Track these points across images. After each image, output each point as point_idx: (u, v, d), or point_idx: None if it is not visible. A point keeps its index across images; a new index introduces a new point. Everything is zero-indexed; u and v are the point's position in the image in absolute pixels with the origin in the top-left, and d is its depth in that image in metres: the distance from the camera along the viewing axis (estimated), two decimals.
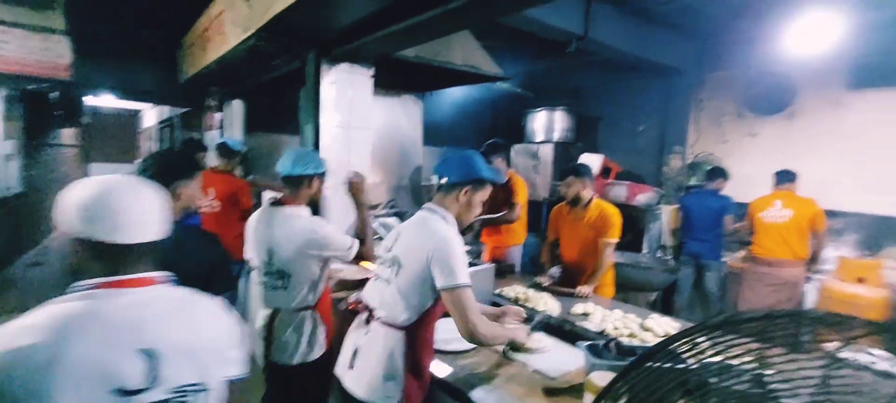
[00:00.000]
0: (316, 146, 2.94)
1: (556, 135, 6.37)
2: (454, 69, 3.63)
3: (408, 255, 1.62)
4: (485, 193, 1.76)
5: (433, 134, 5.98)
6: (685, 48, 5.49)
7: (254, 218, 2.12)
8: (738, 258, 4.95)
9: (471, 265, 2.68)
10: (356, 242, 2.07)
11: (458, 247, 1.60)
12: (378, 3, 2.09)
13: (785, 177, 4.17)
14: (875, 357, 1.67)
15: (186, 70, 4.44)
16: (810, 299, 4.07)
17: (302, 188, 2.06)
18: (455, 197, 1.70)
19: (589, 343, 1.77)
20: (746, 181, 5.25)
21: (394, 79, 4.30)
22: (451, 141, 6.96)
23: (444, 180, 1.71)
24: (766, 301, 4.13)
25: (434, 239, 1.59)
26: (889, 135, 4.46)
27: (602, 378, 1.49)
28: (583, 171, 3.09)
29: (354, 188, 2.18)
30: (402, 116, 4.74)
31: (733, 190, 5.30)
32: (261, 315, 2.08)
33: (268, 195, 3.80)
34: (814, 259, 3.96)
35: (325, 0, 2.08)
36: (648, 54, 5.09)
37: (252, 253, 2.08)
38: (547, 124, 6.46)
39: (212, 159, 4.31)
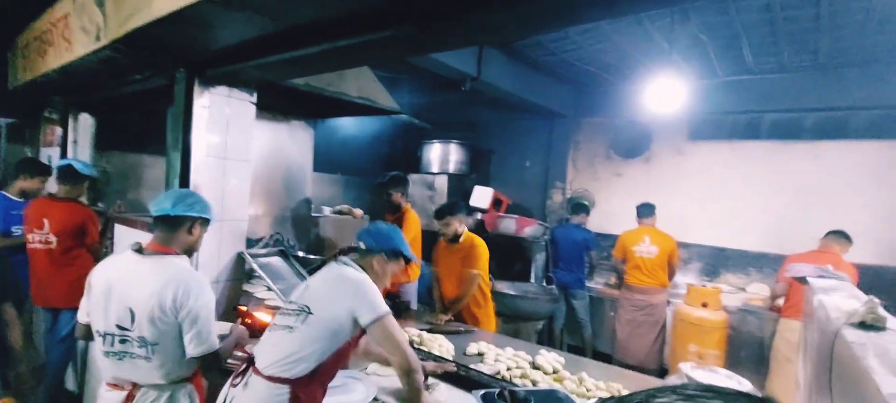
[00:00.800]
0: (184, 177, 2.57)
1: (451, 167, 6.53)
2: (348, 100, 3.51)
3: (320, 302, 1.63)
4: (397, 267, 1.87)
5: (326, 161, 5.72)
6: (565, 94, 6.05)
7: (106, 267, 1.73)
8: (605, 284, 5.49)
9: None
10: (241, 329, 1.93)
11: (373, 286, 1.68)
12: (257, 29, 1.91)
13: (646, 210, 4.77)
14: None
15: (19, 75, 3.66)
16: (668, 320, 4.63)
17: (180, 232, 1.76)
18: (370, 262, 1.79)
19: (484, 391, 1.77)
20: (614, 214, 5.91)
21: (282, 102, 4.02)
22: (344, 169, 6.74)
23: (362, 245, 1.83)
24: (638, 324, 4.62)
25: (351, 282, 1.66)
26: (718, 178, 5.36)
27: None
28: (458, 209, 3.34)
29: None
30: (291, 143, 4.44)
31: (603, 222, 5.94)
32: (109, 397, 1.66)
33: (125, 235, 3.24)
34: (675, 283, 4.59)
35: (193, 20, 1.84)
36: (533, 97, 5.50)
37: (98, 312, 1.66)
38: (442, 156, 6.61)
39: (50, 183, 3.58)
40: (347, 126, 6.04)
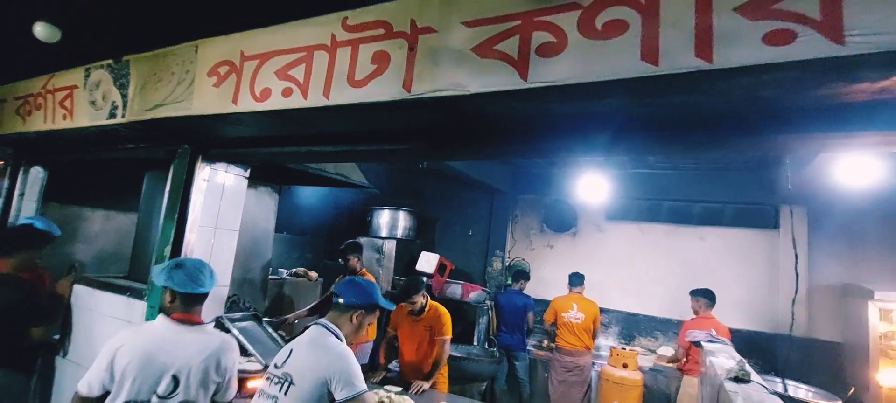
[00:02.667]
0: (177, 245, 2.72)
1: (400, 233, 6.91)
2: (326, 176, 3.85)
3: (301, 373, 1.69)
4: (373, 318, 1.99)
5: (281, 222, 5.84)
6: (504, 174, 6.83)
7: (144, 335, 1.85)
8: (537, 346, 6.04)
9: None
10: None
11: (354, 360, 1.78)
12: (288, 130, 2.26)
13: (577, 280, 5.46)
14: None
15: None
16: (594, 380, 5.23)
17: (200, 305, 1.96)
18: (349, 317, 1.89)
19: None
20: (547, 281, 6.60)
21: (253, 169, 4.23)
22: (297, 229, 6.85)
23: (341, 300, 1.90)
24: (569, 383, 5.16)
25: (330, 355, 1.73)
26: (630, 253, 6.31)
27: None
28: (421, 286, 3.59)
29: None
30: (257, 208, 4.59)
31: (537, 288, 6.58)
32: None
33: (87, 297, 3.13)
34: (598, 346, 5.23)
35: (232, 120, 2.16)
36: (477, 176, 6.18)
37: (129, 379, 1.75)
38: (391, 221, 6.98)
39: None
40: (305, 189, 6.25)
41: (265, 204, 4.66)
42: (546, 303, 5.71)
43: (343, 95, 1.78)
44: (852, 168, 3.70)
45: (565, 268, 5.78)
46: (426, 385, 3.28)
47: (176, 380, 1.76)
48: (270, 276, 4.91)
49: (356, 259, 4.20)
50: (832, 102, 1.25)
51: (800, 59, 1.09)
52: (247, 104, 2.07)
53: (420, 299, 3.53)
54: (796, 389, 4.36)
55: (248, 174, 3.08)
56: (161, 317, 1.88)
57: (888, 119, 1.27)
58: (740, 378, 2.06)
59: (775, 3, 1.11)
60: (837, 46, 1.05)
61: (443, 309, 3.62)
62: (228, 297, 4.14)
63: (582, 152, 1.72)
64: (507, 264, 6.97)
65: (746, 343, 5.41)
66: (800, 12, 1.09)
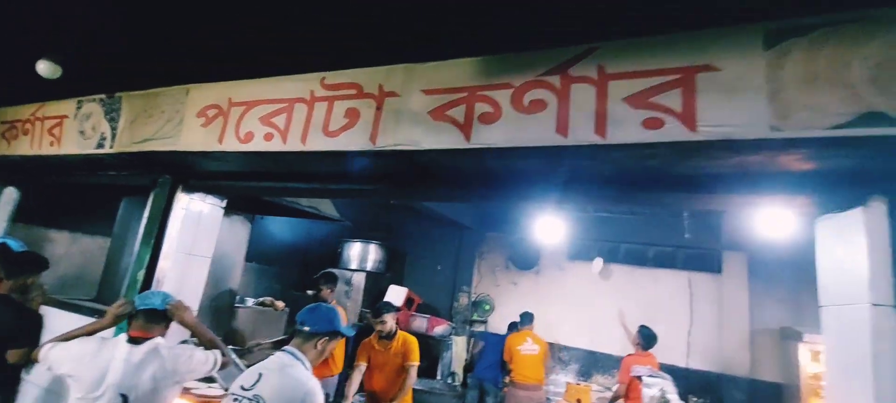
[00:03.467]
0: (150, 270, 2.87)
1: (369, 266, 7.07)
2: (299, 209, 4.07)
3: (272, 398, 1.75)
4: (335, 344, 2.02)
5: (252, 251, 5.95)
6: (472, 212, 7.17)
7: (106, 348, 2.01)
8: (503, 383, 6.21)
9: None
10: (216, 354, 2.19)
11: (322, 396, 1.82)
12: (268, 167, 2.52)
13: (528, 318, 5.70)
14: None
15: None
16: None
17: (160, 326, 2.12)
18: (314, 344, 1.93)
19: None
20: (510, 317, 6.80)
21: (230, 200, 4.41)
22: (268, 259, 6.93)
23: (307, 328, 1.94)
24: None
25: (304, 386, 1.77)
26: (589, 292, 6.64)
27: None
28: (391, 308, 3.72)
29: (173, 314, 2.27)
30: (229, 236, 4.73)
31: (500, 324, 6.81)
32: None
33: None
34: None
35: (218, 157, 2.40)
36: (446, 212, 6.49)
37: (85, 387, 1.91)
38: (362, 254, 7.15)
39: None
40: (278, 220, 6.40)
41: (237, 232, 4.81)
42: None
43: (319, 143, 2.06)
44: (772, 220, 4.17)
45: (529, 305, 6.04)
46: None
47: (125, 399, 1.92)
48: (236, 304, 4.98)
49: (329, 290, 4.31)
50: (702, 171, 1.60)
51: (668, 141, 1.43)
52: (231, 144, 2.32)
53: (390, 320, 3.64)
54: None
55: (224, 204, 3.28)
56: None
57: (746, 186, 1.63)
58: None
59: (651, 96, 1.47)
60: (692, 133, 1.40)
61: (412, 337, 3.74)
62: None
63: (512, 199, 2.03)
64: (473, 299, 7.19)
65: (694, 380, 5.75)
66: (667, 105, 1.45)
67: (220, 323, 4.64)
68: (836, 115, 1.29)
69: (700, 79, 1.43)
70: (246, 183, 2.77)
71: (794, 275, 5.82)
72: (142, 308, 2.08)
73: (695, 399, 5.68)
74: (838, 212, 1.67)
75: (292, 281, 7.37)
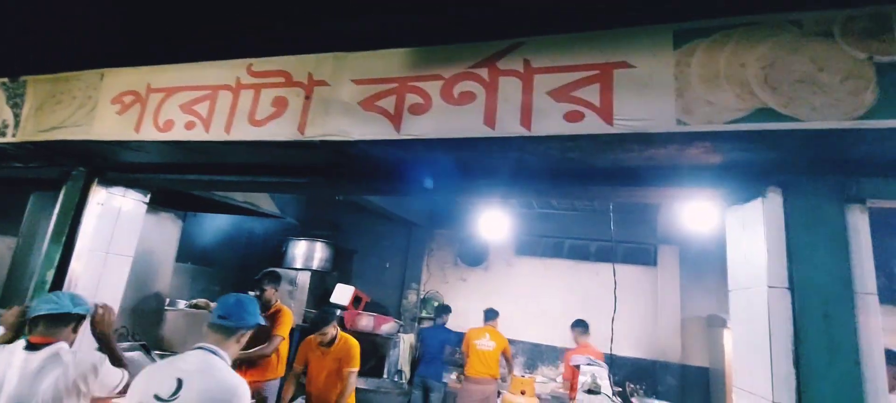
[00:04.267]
0: (61, 269, 2.63)
1: (315, 264, 6.89)
2: (235, 205, 3.88)
3: None
4: (249, 336, 1.93)
5: (186, 251, 5.62)
6: (421, 209, 7.15)
7: (2, 357, 1.82)
8: (453, 378, 6.25)
9: None
10: (125, 373, 2.03)
11: (248, 397, 1.71)
12: (191, 159, 2.37)
13: (491, 314, 5.79)
14: None
15: None
16: None
17: (66, 330, 1.94)
18: (236, 339, 1.82)
19: None
20: (459, 313, 6.88)
21: (154, 194, 4.13)
22: (205, 259, 6.57)
23: (229, 322, 1.81)
24: None
25: (231, 392, 1.65)
26: (535, 287, 6.83)
27: None
28: (331, 318, 3.66)
29: (100, 321, 2.13)
30: (157, 234, 4.44)
31: (450, 320, 6.85)
32: None
33: None
34: (504, 377, 5.52)
35: (135, 147, 2.23)
36: (394, 209, 6.44)
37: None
38: (307, 253, 6.95)
39: None
40: (215, 218, 6.08)
41: (166, 230, 4.53)
42: (459, 335, 5.98)
43: (244, 132, 1.96)
44: (698, 213, 4.47)
45: (477, 301, 6.13)
46: None
47: None
48: (166, 307, 4.69)
49: (273, 289, 4.15)
50: (621, 164, 1.68)
51: (587, 134, 1.48)
52: (149, 133, 2.17)
53: (331, 330, 3.56)
54: None
55: (147, 199, 3.07)
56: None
57: (661, 178, 1.72)
58: (592, 391, 2.44)
59: (572, 90, 1.52)
60: (609, 126, 1.46)
61: (353, 341, 3.70)
62: (116, 329, 3.94)
63: (444, 192, 2.05)
64: (422, 296, 7.18)
65: (634, 368, 6.05)
66: (587, 100, 1.50)
67: (145, 328, 4.34)
68: (733, 111, 1.39)
69: (617, 75, 1.49)
70: (168, 175, 2.60)
71: (718, 266, 6.20)
72: (41, 313, 1.89)
73: (632, 384, 5.99)
74: (743, 203, 1.80)
75: (232, 281, 7.04)
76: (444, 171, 1.90)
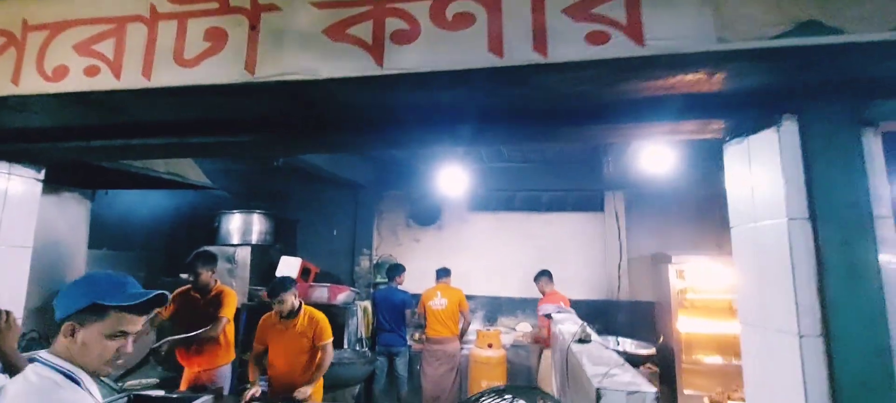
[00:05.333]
0: None
1: (254, 238, 6.33)
2: (156, 177, 3.30)
3: None
4: (111, 325, 1.30)
5: (99, 235, 4.84)
6: (368, 170, 6.74)
7: None
8: (416, 340, 6.14)
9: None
10: None
11: None
12: (92, 118, 1.85)
13: (443, 273, 5.65)
14: None
15: None
16: (465, 363, 5.50)
17: None
18: (63, 334, 1.29)
19: None
20: (414, 275, 6.71)
21: (51, 169, 3.42)
22: (122, 243, 5.75)
23: (57, 315, 1.32)
24: (439, 371, 5.31)
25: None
26: (490, 241, 6.79)
27: None
28: (289, 284, 3.33)
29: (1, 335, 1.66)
30: (60, 219, 3.73)
31: (406, 283, 6.67)
32: None
33: None
34: (463, 333, 5.46)
35: (3, 103, 1.68)
36: (340, 172, 5.99)
37: None
38: (244, 226, 6.36)
39: None
40: (129, 195, 5.29)
41: (72, 213, 3.81)
42: (416, 298, 5.82)
43: (170, 76, 1.52)
44: (652, 156, 4.54)
45: (432, 261, 5.96)
46: (309, 390, 3.08)
47: None
48: None
49: (209, 272, 3.69)
50: (632, 97, 1.49)
51: (614, 57, 1.26)
52: (34, 85, 1.64)
53: (290, 298, 3.25)
54: (624, 343, 5.22)
55: (42, 176, 2.46)
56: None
57: (671, 111, 1.56)
58: (583, 340, 2.36)
59: (593, 7, 1.28)
60: (639, 47, 1.24)
61: (319, 313, 3.42)
62: (24, 333, 3.29)
63: (432, 143, 1.76)
64: (375, 262, 6.90)
65: (588, 309, 6.23)
66: (611, 18, 1.26)
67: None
68: (776, 25, 1.23)
69: None
70: (69, 143, 2.05)
71: (666, 207, 6.57)
72: None
73: (587, 325, 6.25)
74: (747, 135, 1.70)
75: (159, 265, 6.29)
76: (429, 118, 1.60)
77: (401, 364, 5.55)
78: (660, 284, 6.18)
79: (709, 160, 5.08)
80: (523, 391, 1.39)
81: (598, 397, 1.51)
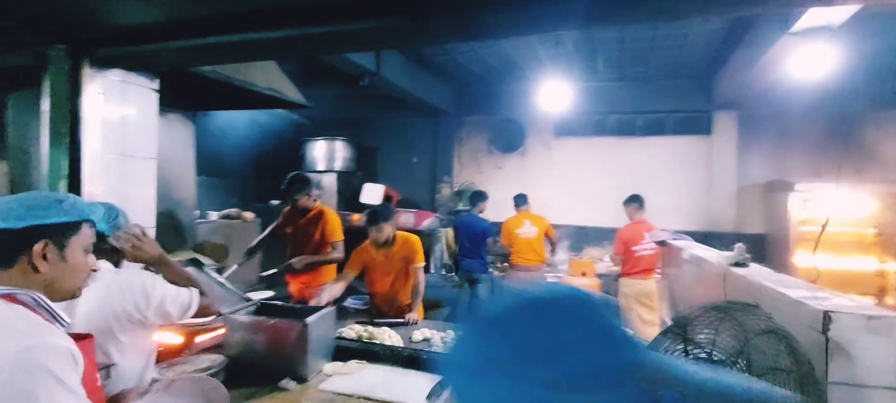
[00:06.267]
0: (74, 182, 2.09)
1: (338, 165, 6.37)
2: (255, 91, 3.22)
3: None
4: (87, 238, 1.11)
5: (197, 161, 5.04)
6: (448, 94, 6.43)
7: None
8: (498, 269, 6.04)
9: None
10: (194, 293, 1.63)
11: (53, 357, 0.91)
12: (188, 7, 1.69)
13: (521, 200, 5.38)
14: None
15: None
16: None
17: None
18: (22, 269, 0.99)
19: None
20: (497, 203, 6.50)
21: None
22: (216, 171, 6.01)
23: None
24: None
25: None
26: (577, 168, 6.36)
27: None
28: (390, 214, 3.23)
29: (136, 251, 1.57)
30: (169, 139, 3.80)
31: (488, 212, 6.50)
32: None
33: None
34: (549, 261, 5.27)
35: None
36: (423, 95, 5.74)
37: None
38: (328, 153, 6.40)
39: None
40: (219, 123, 5.42)
41: (180, 135, 3.91)
42: (497, 226, 5.63)
43: None
44: (795, 62, 3.79)
45: (515, 189, 5.68)
46: (415, 316, 3.08)
47: None
48: (198, 220, 4.26)
49: (307, 196, 3.65)
50: None
51: None
52: None
53: (388, 228, 3.19)
54: None
55: (156, 85, 2.43)
56: None
57: None
58: (740, 263, 2.03)
59: None
60: None
61: (413, 237, 3.33)
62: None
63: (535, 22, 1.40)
64: (456, 189, 6.76)
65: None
66: None
67: (183, 243, 3.93)
68: None
69: None
70: (180, 42, 1.93)
71: (781, 129, 5.73)
72: None
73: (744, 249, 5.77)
74: None
75: (250, 192, 6.55)
76: None
77: (483, 291, 5.50)
78: (774, 215, 5.51)
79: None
80: (745, 308, 1.13)
81: (827, 321, 1.21)
